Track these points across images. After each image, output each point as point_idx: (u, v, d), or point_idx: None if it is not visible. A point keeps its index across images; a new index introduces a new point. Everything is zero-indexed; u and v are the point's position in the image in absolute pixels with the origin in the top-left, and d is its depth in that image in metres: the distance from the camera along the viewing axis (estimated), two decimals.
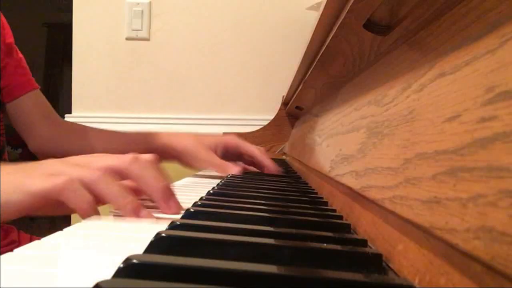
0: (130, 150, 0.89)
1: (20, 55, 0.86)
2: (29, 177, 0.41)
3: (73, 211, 0.41)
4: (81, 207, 0.39)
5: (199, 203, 0.43)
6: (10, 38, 0.83)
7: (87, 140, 0.89)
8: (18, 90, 0.83)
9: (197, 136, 0.86)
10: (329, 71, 0.70)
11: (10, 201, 0.40)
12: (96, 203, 0.40)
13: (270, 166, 0.85)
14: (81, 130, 0.92)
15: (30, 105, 0.85)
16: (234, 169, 0.77)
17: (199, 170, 0.94)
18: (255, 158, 0.87)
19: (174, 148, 0.82)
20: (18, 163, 0.45)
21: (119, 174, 0.42)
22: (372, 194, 0.35)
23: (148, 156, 0.45)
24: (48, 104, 0.90)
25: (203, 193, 0.51)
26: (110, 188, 0.41)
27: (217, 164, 0.79)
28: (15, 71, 0.83)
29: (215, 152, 0.82)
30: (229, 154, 0.85)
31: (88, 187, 0.40)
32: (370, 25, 0.44)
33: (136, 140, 0.88)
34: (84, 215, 0.40)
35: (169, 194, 0.44)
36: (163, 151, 0.82)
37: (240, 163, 0.87)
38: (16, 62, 0.84)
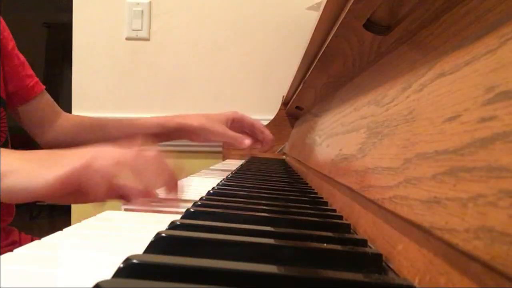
0: (149, 136, 0.94)
1: (22, 58, 0.87)
2: (50, 167, 0.45)
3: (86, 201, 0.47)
4: (98, 195, 0.44)
5: (199, 203, 0.43)
6: (11, 42, 0.84)
7: (103, 131, 0.93)
8: (31, 92, 0.87)
9: (207, 114, 0.94)
10: (329, 71, 0.70)
11: (30, 187, 0.45)
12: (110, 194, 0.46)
13: (268, 135, 0.96)
14: (95, 122, 0.95)
15: (42, 105, 0.89)
16: (246, 140, 0.88)
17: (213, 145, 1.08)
18: (256, 128, 0.96)
19: (191, 126, 0.90)
20: (36, 152, 0.50)
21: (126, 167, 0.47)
22: (372, 194, 0.35)
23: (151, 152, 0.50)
24: (53, 100, 0.94)
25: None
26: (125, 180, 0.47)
27: (232, 136, 0.89)
28: (25, 74, 0.86)
29: (227, 126, 0.92)
30: (235, 126, 0.94)
31: (106, 178, 0.45)
32: (370, 25, 0.44)
33: (153, 125, 0.92)
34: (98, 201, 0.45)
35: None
36: (179, 130, 0.91)
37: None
38: (22, 64, 0.85)
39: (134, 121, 0.95)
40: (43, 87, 0.90)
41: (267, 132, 0.96)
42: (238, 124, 0.94)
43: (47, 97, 0.91)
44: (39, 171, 0.45)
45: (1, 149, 0.49)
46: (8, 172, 0.46)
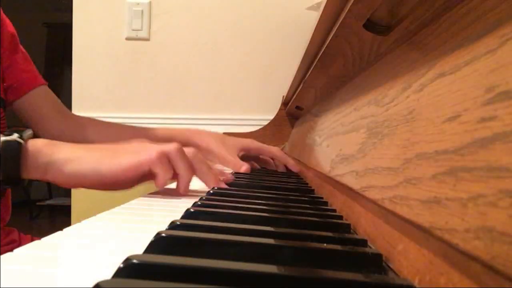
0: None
1: (24, 51, 0.86)
2: (118, 155, 0.51)
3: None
4: (165, 177, 0.52)
5: (199, 203, 0.43)
6: (11, 29, 0.83)
7: (105, 135, 0.92)
8: (26, 86, 0.85)
9: (224, 137, 0.95)
10: (329, 71, 0.70)
11: (101, 170, 0.49)
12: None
13: (292, 164, 0.95)
14: (99, 124, 0.95)
15: (39, 100, 0.87)
16: (243, 167, 0.86)
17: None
18: (277, 159, 0.97)
19: (196, 145, 0.89)
20: (97, 145, 0.55)
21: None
22: (372, 194, 0.35)
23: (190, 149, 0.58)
24: (57, 98, 0.92)
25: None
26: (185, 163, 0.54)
27: (231, 162, 0.89)
28: (22, 68, 0.85)
29: (237, 154, 0.92)
30: (249, 156, 0.96)
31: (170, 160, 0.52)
32: (370, 25, 0.44)
33: (161, 136, 0.93)
34: (162, 184, 0.52)
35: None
36: (186, 146, 0.90)
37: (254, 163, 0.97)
38: (22, 58, 0.85)
39: (140, 129, 0.95)
40: (42, 82, 0.88)
41: (289, 162, 0.95)
42: (255, 154, 0.96)
43: (46, 94, 0.89)
44: (107, 158, 0.50)
45: (56, 141, 0.53)
46: (76, 158, 0.50)
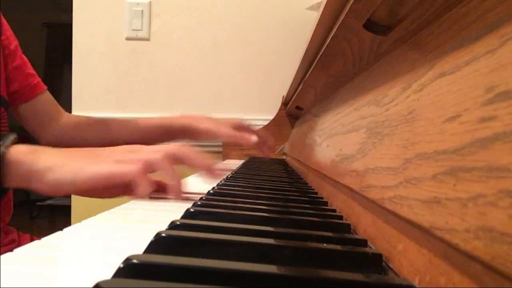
0: (153, 136, 0.96)
1: (25, 58, 0.87)
2: (99, 162, 0.49)
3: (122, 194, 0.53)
4: (145, 191, 0.48)
5: (199, 203, 0.43)
6: (14, 41, 0.84)
7: (106, 131, 0.93)
8: (29, 93, 0.87)
9: (212, 118, 0.96)
10: (329, 71, 0.70)
11: (79, 179, 0.47)
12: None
13: (271, 144, 1.00)
14: (98, 122, 0.96)
15: (42, 106, 0.89)
16: (253, 137, 0.88)
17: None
18: (260, 135, 0.97)
19: (197, 128, 0.92)
20: (73, 150, 0.53)
21: (175, 159, 0.51)
22: (372, 194, 0.35)
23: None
24: (55, 101, 0.94)
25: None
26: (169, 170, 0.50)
27: (239, 135, 0.90)
28: (30, 73, 0.87)
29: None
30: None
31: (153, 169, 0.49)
32: (370, 25, 0.44)
33: (157, 125, 0.93)
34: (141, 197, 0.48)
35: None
36: (184, 131, 0.92)
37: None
38: (24, 65, 0.86)
39: (138, 121, 0.96)
40: (44, 87, 0.90)
41: (270, 142, 1.00)
42: (243, 131, 0.95)
43: (48, 96, 0.91)
44: (87, 165, 0.48)
45: (39, 146, 0.51)
46: (54, 167, 0.48)
